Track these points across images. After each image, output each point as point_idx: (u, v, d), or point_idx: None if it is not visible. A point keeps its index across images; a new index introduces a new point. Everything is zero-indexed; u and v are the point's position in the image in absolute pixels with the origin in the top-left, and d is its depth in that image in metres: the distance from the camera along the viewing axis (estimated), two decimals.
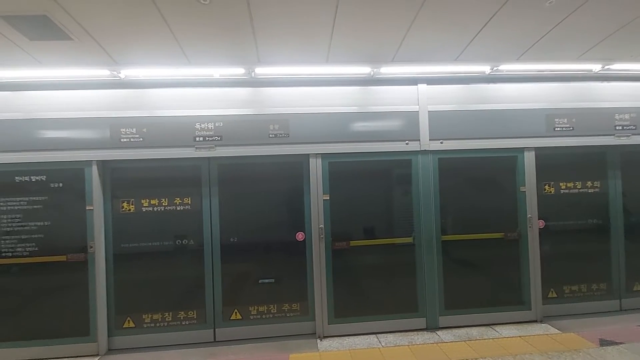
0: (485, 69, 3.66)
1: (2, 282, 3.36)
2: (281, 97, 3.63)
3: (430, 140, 3.72)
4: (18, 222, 3.36)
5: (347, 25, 2.80)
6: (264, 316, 3.63)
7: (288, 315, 3.65)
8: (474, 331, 3.64)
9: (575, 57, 3.57)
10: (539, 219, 3.85)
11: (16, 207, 3.36)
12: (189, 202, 3.60)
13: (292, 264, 3.69)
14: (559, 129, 3.86)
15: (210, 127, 3.53)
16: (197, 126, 3.52)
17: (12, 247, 3.35)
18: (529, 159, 3.83)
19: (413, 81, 3.74)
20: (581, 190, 3.96)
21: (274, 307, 3.64)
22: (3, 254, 3.34)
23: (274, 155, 3.61)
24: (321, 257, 3.61)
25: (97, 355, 3.36)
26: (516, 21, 2.86)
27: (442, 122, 3.74)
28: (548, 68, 3.73)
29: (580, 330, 3.55)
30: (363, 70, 3.53)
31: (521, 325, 3.74)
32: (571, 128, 3.87)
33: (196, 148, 3.51)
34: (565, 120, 3.87)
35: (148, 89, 3.49)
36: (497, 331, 3.64)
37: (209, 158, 3.59)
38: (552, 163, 3.89)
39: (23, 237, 3.36)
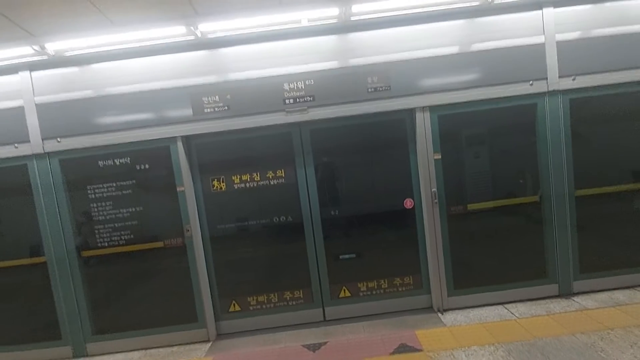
0: None
1: (102, 273, 3.20)
2: (378, 41, 3.06)
3: (559, 77, 3.08)
4: (109, 209, 3.12)
5: None
6: (374, 292, 3.32)
7: (400, 289, 3.33)
8: (619, 295, 3.18)
9: None
10: None
11: (105, 194, 3.11)
12: (283, 174, 3.22)
13: (402, 235, 3.32)
14: None
15: (300, 86, 3.06)
16: (286, 86, 3.05)
17: (107, 237, 3.14)
18: None
19: (537, 5, 3.05)
20: None
21: (384, 282, 3.32)
22: (99, 244, 3.15)
23: (373, 114, 3.11)
24: (436, 224, 3.19)
25: (209, 341, 3.21)
26: None
27: (573, 54, 3.07)
28: None
29: None
30: None
31: None
32: None
33: (287, 112, 3.07)
34: None
35: (228, 47, 3.02)
36: None
37: (299, 123, 3.15)
38: None
39: (116, 225, 3.13)
